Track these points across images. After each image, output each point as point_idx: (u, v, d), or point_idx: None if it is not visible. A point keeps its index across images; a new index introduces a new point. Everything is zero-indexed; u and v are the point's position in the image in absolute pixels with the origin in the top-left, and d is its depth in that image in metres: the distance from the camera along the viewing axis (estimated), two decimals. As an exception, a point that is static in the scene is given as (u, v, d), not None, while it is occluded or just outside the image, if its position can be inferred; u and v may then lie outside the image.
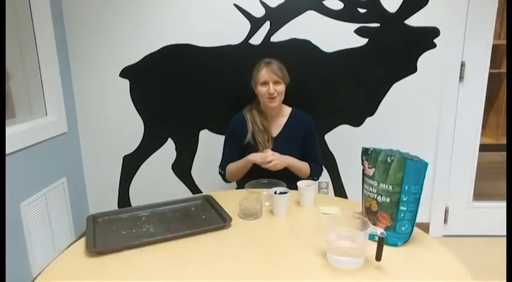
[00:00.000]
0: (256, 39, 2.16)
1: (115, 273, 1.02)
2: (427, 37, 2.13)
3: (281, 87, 1.74)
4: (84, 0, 2.16)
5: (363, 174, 1.20)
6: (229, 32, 2.16)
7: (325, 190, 2.39)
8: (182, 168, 2.40)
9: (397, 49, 2.15)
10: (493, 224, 2.35)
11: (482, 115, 2.26)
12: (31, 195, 1.88)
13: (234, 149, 1.81)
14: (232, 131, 1.83)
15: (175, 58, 2.21)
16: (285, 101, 1.81)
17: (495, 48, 2.17)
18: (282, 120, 1.82)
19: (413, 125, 2.28)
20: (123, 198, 2.45)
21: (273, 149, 1.74)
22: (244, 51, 2.17)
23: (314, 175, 1.81)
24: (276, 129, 1.81)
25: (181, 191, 2.40)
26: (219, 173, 1.85)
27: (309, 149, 1.83)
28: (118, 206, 2.45)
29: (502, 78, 2.49)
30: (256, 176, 1.59)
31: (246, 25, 2.15)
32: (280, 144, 1.77)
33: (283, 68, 1.76)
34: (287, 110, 1.84)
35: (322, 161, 1.88)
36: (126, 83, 2.27)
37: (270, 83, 1.71)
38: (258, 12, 2.13)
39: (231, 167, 1.78)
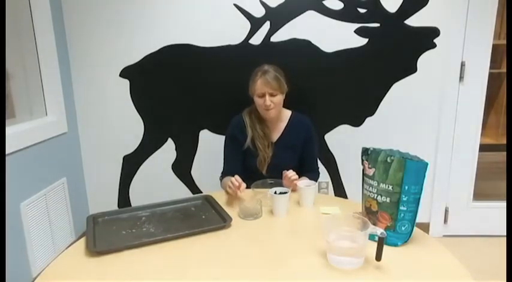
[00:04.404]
0: (256, 39, 2.16)
1: (115, 273, 1.02)
2: (427, 37, 2.13)
3: (277, 98, 1.68)
4: (84, 0, 2.17)
5: (363, 174, 1.20)
6: (229, 32, 2.16)
7: (325, 190, 2.39)
8: (182, 168, 2.40)
9: (397, 49, 2.15)
10: (493, 224, 2.34)
11: (482, 115, 2.26)
12: (31, 195, 1.88)
13: (235, 153, 1.78)
14: (232, 134, 1.79)
15: (176, 58, 2.21)
16: (285, 103, 1.79)
17: (495, 48, 2.17)
18: (282, 125, 1.79)
19: (413, 125, 2.28)
20: (123, 198, 2.45)
21: (273, 154, 1.73)
22: (244, 51, 2.17)
23: None
24: (275, 134, 1.78)
25: (181, 191, 2.40)
26: (220, 179, 1.81)
27: (307, 154, 1.81)
28: (118, 206, 2.45)
29: (502, 78, 2.50)
30: (256, 178, 1.58)
31: (246, 25, 2.15)
32: (280, 150, 1.75)
33: (280, 77, 1.70)
34: (286, 114, 1.81)
35: (318, 167, 1.87)
36: (126, 83, 2.27)
37: (266, 95, 1.66)
38: (258, 12, 2.13)
39: (225, 182, 1.67)
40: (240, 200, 1.42)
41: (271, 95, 1.67)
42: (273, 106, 1.67)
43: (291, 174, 1.53)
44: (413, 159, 1.09)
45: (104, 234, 1.21)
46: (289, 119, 1.80)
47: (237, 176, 1.48)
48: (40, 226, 1.93)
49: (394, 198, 1.09)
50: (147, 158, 2.39)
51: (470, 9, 2.10)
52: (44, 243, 1.96)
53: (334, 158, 2.35)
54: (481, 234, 2.38)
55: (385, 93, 2.24)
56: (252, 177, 1.60)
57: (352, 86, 2.22)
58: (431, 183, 2.34)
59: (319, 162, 1.92)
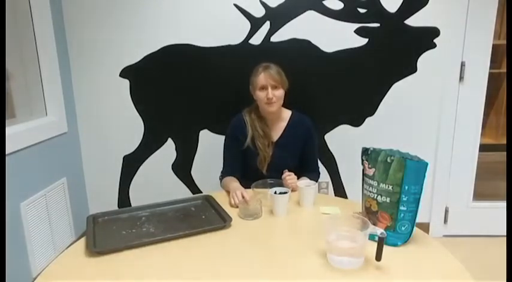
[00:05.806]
0: (256, 39, 2.16)
1: (115, 273, 1.02)
2: (427, 37, 2.13)
3: (279, 92, 1.69)
4: (84, 0, 2.17)
5: (363, 174, 1.20)
6: (229, 32, 2.16)
7: (325, 190, 2.39)
8: (182, 168, 2.40)
9: (397, 49, 2.15)
10: (493, 224, 2.34)
11: (482, 115, 2.26)
12: (31, 195, 1.88)
13: (235, 153, 1.78)
14: (232, 134, 1.79)
15: (175, 58, 2.21)
16: (285, 103, 1.79)
17: (495, 48, 2.17)
18: (282, 124, 1.78)
19: (413, 125, 2.28)
20: (123, 198, 2.45)
21: (273, 154, 1.72)
22: (244, 51, 2.17)
23: None
24: (276, 133, 1.78)
25: (181, 191, 2.40)
26: (220, 178, 1.81)
27: (308, 154, 1.80)
28: (118, 206, 2.44)
29: (502, 78, 2.49)
30: (256, 177, 1.58)
31: (246, 25, 2.15)
32: (281, 149, 1.75)
33: (281, 72, 1.72)
34: (287, 114, 1.80)
35: (318, 167, 1.88)
36: (126, 83, 2.27)
37: (269, 87, 1.67)
38: (258, 12, 2.13)
39: (226, 183, 1.68)
40: (240, 199, 1.42)
41: (274, 87, 1.68)
42: (275, 100, 1.67)
43: (288, 177, 1.54)
44: (413, 159, 1.09)
45: (104, 234, 1.21)
46: (289, 119, 1.79)
47: (239, 193, 1.43)
48: (40, 226, 1.93)
49: (394, 198, 1.09)
50: (147, 158, 2.39)
51: (470, 9, 2.10)
52: (44, 243, 1.96)
53: (334, 158, 2.35)
54: (481, 234, 2.38)
55: (385, 93, 2.24)
56: (252, 177, 1.60)
57: (352, 86, 2.22)
58: (431, 183, 2.34)
59: (319, 162, 1.92)
